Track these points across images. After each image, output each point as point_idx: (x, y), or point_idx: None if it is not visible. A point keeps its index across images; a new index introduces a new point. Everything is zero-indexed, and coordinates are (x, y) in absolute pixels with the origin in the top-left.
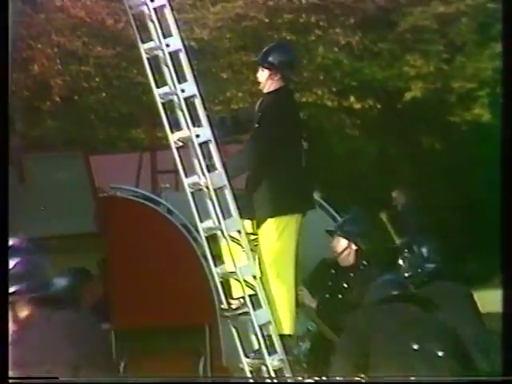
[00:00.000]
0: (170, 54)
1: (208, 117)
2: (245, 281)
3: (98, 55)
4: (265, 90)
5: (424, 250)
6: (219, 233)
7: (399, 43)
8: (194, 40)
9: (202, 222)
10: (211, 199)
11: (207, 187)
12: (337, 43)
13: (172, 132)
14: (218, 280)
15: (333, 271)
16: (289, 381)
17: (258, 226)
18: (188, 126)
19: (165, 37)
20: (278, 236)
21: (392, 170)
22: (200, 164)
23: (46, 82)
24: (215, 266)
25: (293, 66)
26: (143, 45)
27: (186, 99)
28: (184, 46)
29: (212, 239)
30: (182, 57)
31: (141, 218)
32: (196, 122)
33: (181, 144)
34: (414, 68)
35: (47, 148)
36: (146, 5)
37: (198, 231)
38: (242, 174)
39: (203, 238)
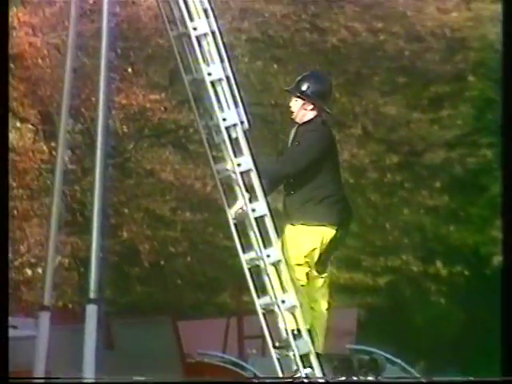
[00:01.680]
0: (255, 219)
1: (293, 281)
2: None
3: (185, 220)
4: (298, 120)
5: None
6: None
7: (490, 208)
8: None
9: None
10: None
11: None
12: (423, 205)
13: (258, 297)
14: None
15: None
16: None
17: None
18: (274, 292)
19: (251, 201)
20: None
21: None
22: (286, 330)
23: (135, 248)
24: None
25: (326, 96)
26: (230, 209)
27: (272, 264)
28: (269, 209)
29: None
30: (267, 221)
31: None
32: (282, 289)
33: (266, 309)
34: None
35: (136, 314)
36: (234, 171)
37: None
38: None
39: None
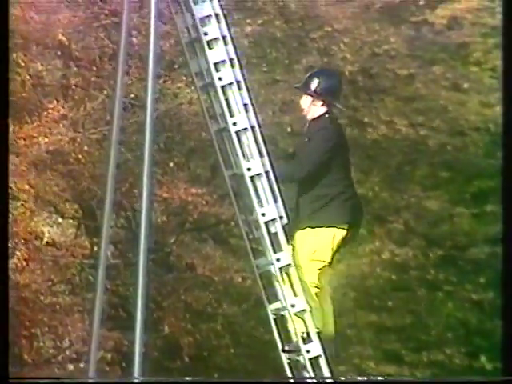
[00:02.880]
0: (295, 314)
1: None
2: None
3: (225, 314)
4: (308, 117)
5: None
6: None
7: None
8: None
9: None
10: None
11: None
12: (467, 300)
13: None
14: None
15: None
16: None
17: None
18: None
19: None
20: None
21: None
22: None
23: (176, 342)
24: None
25: (335, 92)
26: (270, 305)
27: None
28: (308, 304)
29: None
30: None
31: None
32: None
33: None
34: None
35: None
36: (273, 264)
37: None
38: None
39: None
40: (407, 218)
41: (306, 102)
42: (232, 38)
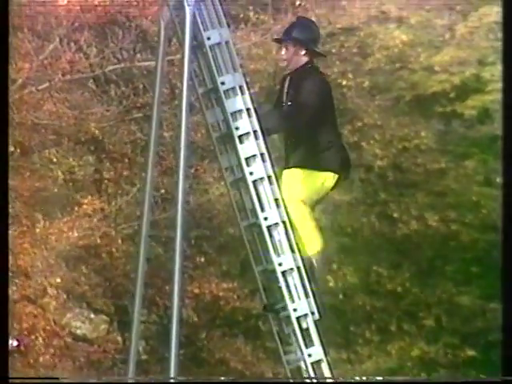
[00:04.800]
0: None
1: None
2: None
3: None
4: (291, 68)
5: None
6: None
7: None
8: None
9: None
10: None
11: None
12: None
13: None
14: None
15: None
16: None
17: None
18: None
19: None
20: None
21: None
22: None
23: None
24: None
25: (316, 40)
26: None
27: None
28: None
29: None
30: None
31: None
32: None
33: None
34: None
35: None
36: (304, 360)
37: None
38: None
39: None
40: (438, 314)
41: (288, 52)
42: (263, 132)
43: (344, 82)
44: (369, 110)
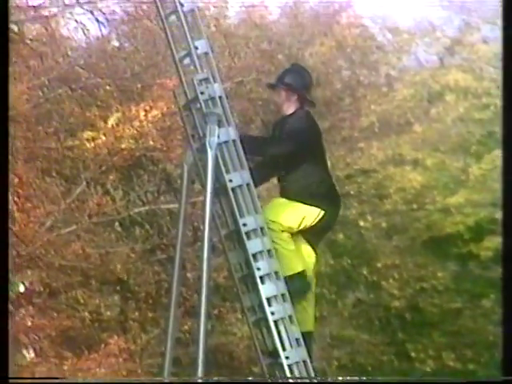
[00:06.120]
0: None
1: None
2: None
3: None
4: (283, 112)
5: None
6: None
7: None
8: None
9: None
10: None
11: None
12: None
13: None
14: None
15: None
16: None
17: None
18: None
19: None
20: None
21: None
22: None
23: None
24: None
25: (308, 87)
26: None
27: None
28: None
29: None
30: None
31: None
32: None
33: None
34: None
35: None
36: None
37: None
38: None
39: None
40: None
41: (280, 97)
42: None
43: (362, 223)
44: (386, 250)
